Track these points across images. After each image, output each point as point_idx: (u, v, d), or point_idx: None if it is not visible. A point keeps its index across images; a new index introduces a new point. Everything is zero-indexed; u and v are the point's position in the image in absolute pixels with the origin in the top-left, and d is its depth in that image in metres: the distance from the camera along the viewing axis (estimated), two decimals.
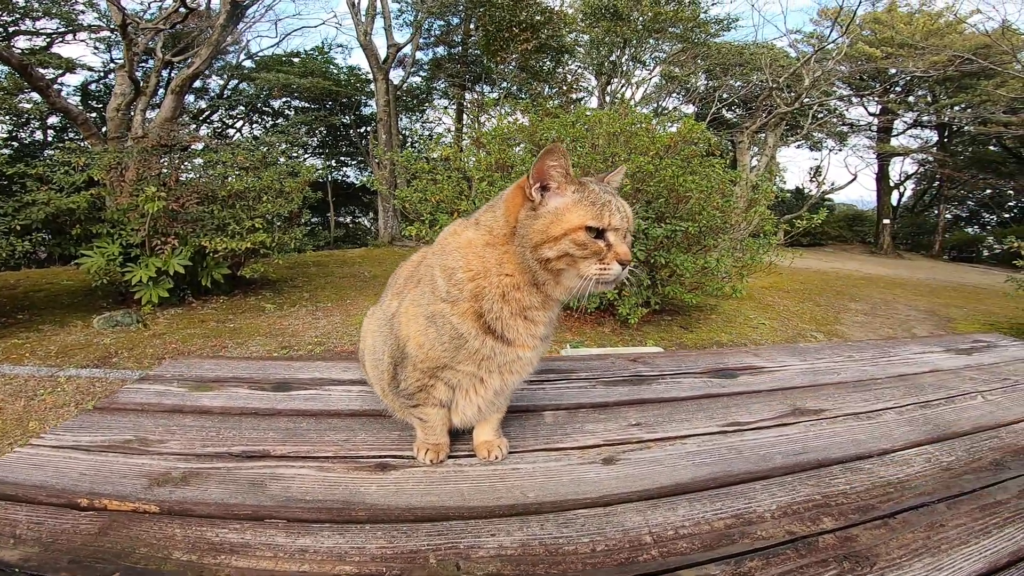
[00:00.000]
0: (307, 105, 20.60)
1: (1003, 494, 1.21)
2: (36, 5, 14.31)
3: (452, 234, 1.11)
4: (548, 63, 19.56)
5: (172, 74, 15.74)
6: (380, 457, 1.21)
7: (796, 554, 0.94)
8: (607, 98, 18.82)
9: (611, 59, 18.71)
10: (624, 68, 18.90)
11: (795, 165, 63.65)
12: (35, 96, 14.07)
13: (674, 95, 22.12)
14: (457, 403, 1.17)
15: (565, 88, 19.56)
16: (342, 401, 1.50)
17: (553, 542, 0.94)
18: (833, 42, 15.53)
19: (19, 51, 11.68)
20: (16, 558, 0.85)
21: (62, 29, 15.97)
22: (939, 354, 2.39)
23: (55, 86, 12.36)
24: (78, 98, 17.80)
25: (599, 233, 1.00)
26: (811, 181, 26.95)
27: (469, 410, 1.17)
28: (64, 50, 17.78)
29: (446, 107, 22.35)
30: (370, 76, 17.69)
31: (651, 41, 18.69)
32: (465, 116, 20.61)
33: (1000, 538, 1.04)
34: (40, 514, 0.97)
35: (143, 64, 11.15)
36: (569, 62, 20.42)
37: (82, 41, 17.26)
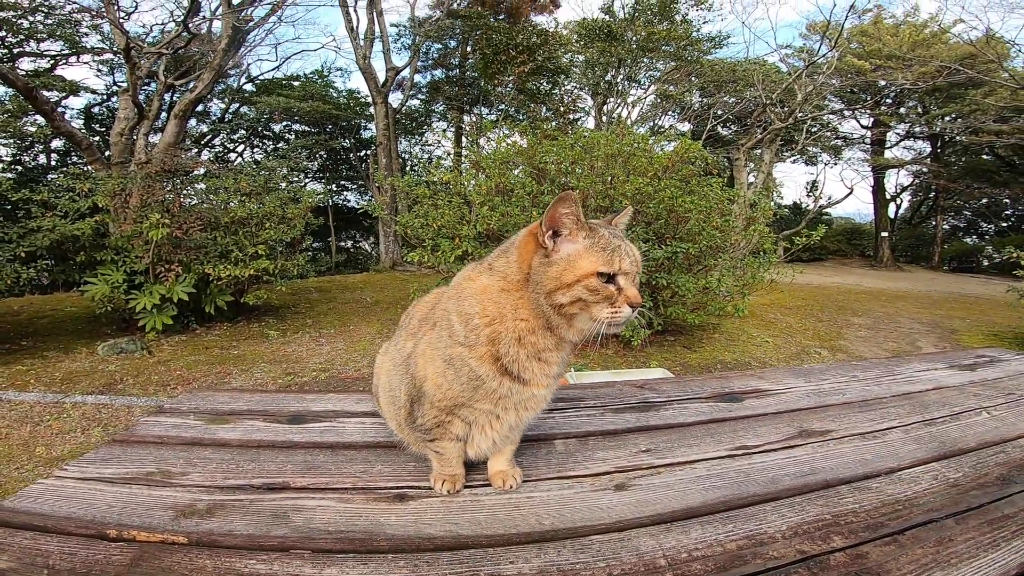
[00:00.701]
0: (307, 129, 20.78)
1: (1010, 508, 1.22)
2: (41, 27, 14.40)
3: (467, 279, 1.15)
4: (545, 84, 19.82)
5: (174, 98, 15.91)
6: (398, 488, 1.24)
7: (808, 572, 0.97)
8: (604, 118, 19.04)
9: (606, 79, 18.97)
10: (620, 87, 19.15)
11: (791, 180, 64.10)
12: (39, 119, 14.21)
13: (670, 113, 22.38)
14: (473, 437, 1.20)
15: (563, 109, 19.79)
16: (357, 433, 1.52)
17: (571, 568, 0.97)
18: (823, 56, 15.76)
19: (23, 73, 11.77)
20: None
21: (66, 51, 16.11)
22: (943, 371, 2.40)
23: (59, 109, 12.45)
24: (81, 121, 17.96)
25: (610, 278, 1.04)
26: (808, 196, 27.13)
27: (484, 444, 1.21)
28: (67, 72, 17.94)
29: (445, 130, 22.58)
30: (369, 99, 17.87)
31: (645, 60, 18.96)
32: (464, 139, 20.83)
33: (1009, 550, 1.06)
34: (71, 545, 1.00)
35: (145, 87, 11.27)
36: (565, 83, 20.70)
37: (85, 63, 17.75)
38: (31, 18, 13.64)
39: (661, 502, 1.19)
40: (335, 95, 20.81)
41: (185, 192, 8.38)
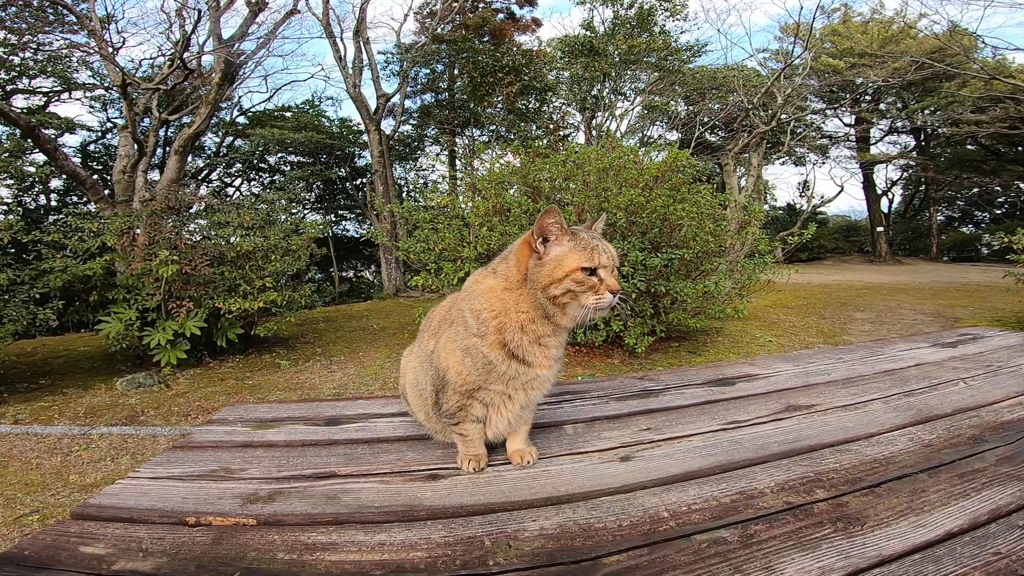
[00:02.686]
0: (302, 159, 20.93)
1: (980, 463, 1.34)
2: (32, 63, 14.55)
3: (476, 282, 1.38)
4: (533, 103, 20.09)
5: (169, 133, 16.02)
6: (430, 470, 1.41)
7: (794, 518, 1.11)
8: (593, 132, 19.31)
9: (593, 93, 19.26)
10: (606, 101, 19.45)
11: (783, 182, 64.57)
12: (37, 159, 14.19)
13: (657, 123, 22.68)
14: (490, 418, 1.39)
15: (552, 127, 20.07)
16: (388, 430, 1.69)
17: (585, 522, 1.12)
18: (798, 57, 16.06)
19: (19, 111, 11.98)
20: (150, 568, 1.02)
21: (58, 88, 16.19)
22: (926, 349, 2.52)
23: (61, 147, 12.60)
24: (79, 159, 17.97)
25: (592, 271, 1.26)
26: (801, 196, 27.39)
27: (501, 424, 1.40)
28: (60, 109, 17.85)
29: (438, 154, 22.87)
30: (362, 127, 18.05)
31: (629, 72, 19.24)
32: (458, 161, 21.09)
33: (979, 499, 1.17)
34: (158, 532, 1.15)
35: (140, 123, 11.49)
36: (554, 100, 20.98)
37: (78, 100, 17.53)
38: (22, 54, 13.76)
39: (662, 469, 1.34)
40: (328, 124, 21.01)
41: (189, 228, 8.54)
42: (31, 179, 16.14)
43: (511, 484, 1.31)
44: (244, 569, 1.01)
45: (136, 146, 10.03)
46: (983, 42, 16.17)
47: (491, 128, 19.77)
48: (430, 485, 1.32)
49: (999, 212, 27.03)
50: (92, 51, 12.19)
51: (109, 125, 18.35)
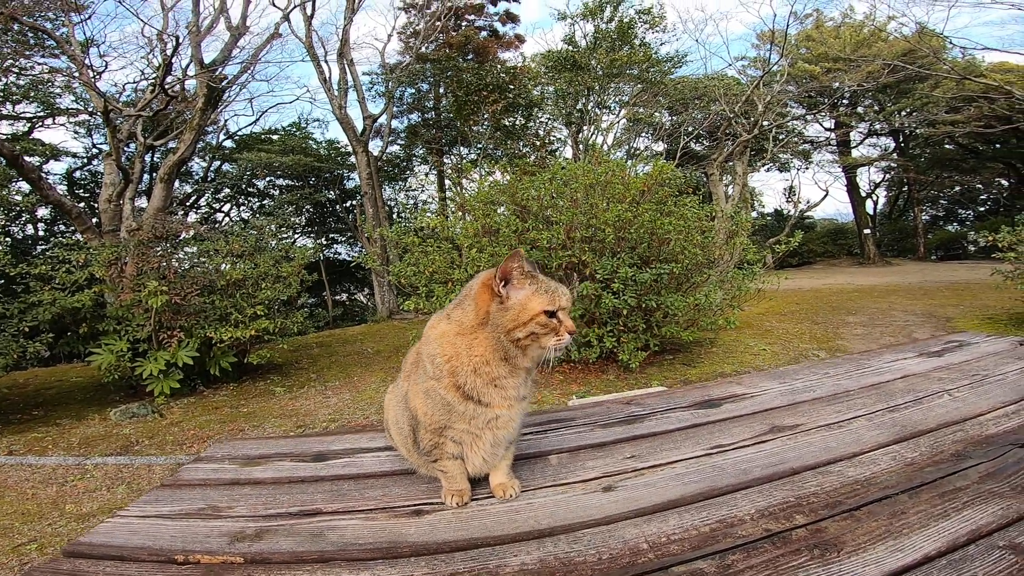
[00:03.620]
0: (291, 183, 20.88)
1: (963, 481, 1.33)
2: (15, 88, 14.51)
3: (431, 327, 1.42)
4: (519, 119, 20.23)
5: (155, 159, 15.86)
6: (415, 505, 1.42)
7: (772, 547, 1.11)
8: (580, 146, 19.45)
9: (578, 108, 19.41)
10: (591, 115, 19.63)
11: (769, 188, 65.04)
12: (22, 187, 13.84)
13: (643, 135, 22.89)
14: (466, 455, 1.42)
15: (538, 144, 20.20)
16: (374, 465, 1.71)
17: (566, 556, 1.13)
18: (776, 64, 16.29)
19: (2, 138, 11.90)
20: None
21: (41, 113, 16.06)
22: (912, 359, 2.52)
23: (45, 176, 12.39)
24: (64, 187, 17.74)
25: (553, 314, 1.31)
26: (788, 201, 27.65)
27: (477, 460, 1.42)
28: (44, 135, 17.60)
29: (427, 174, 22.94)
30: (349, 149, 17.98)
31: (612, 85, 19.42)
32: (447, 181, 21.14)
33: (959, 519, 1.16)
34: (148, 570, 1.17)
35: (126, 149, 11.43)
36: (539, 115, 21.13)
37: (62, 126, 17.39)
38: (4, 79, 13.70)
39: (644, 498, 1.34)
40: (315, 146, 21.03)
41: (177, 257, 8.52)
42: (17, 208, 15.84)
43: (494, 518, 1.33)
44: None
45: (121, 174, 9.98)
46: (951, 43, 16.45)
47: (478, 146, 19.87)
48: (414, 521, 1.34)
49: (983, 209, 27.39)
50: (73, 76, 12.14)
51: (95, 151, 18.19)
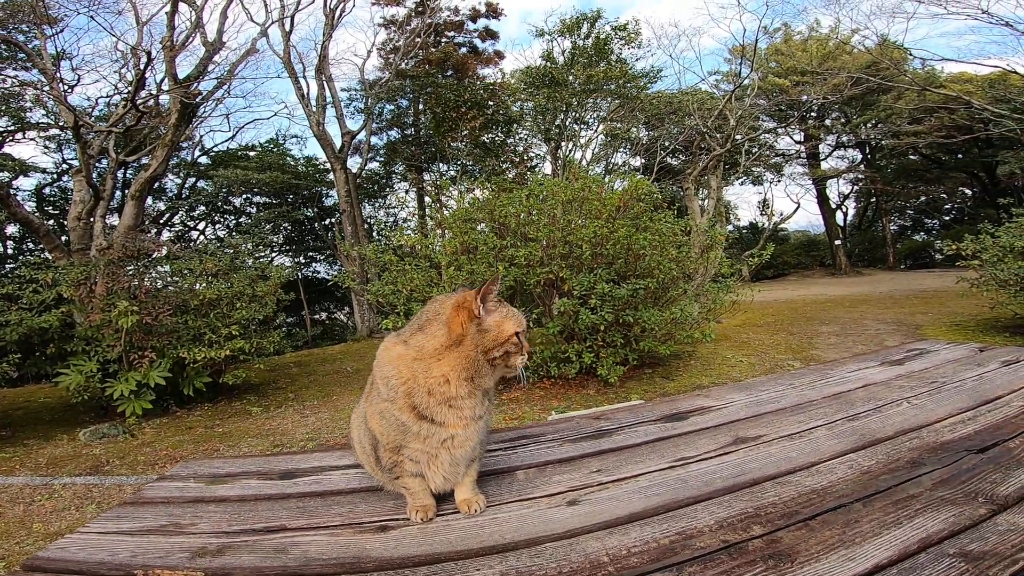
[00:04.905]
0: (268, 200, 20.71)
1: (916, 488, 1.36)
2: None
3: (385, 350, 1.45)
4: (499, 135, 20.37)
5: (128, 175, 15.62)
6: (380, 521, 1.42)
7: (729, 558, 1.13)
8: (559, 161, 19.63)
9: (556, 123, 19.64)
10: (570, 131, 19.85)
11: (744, 201, 65.81)
12: None
13: (620, 150, 23.20)
14: (426, 473, 1.45)
15: (518, 160, 20.34)
16: (342, 482, 1.70)
17: (528, 570, 1.14)
18: (747, 77, 16.67)
19: None
20: None
21: (11, 128, 15.76)
22: (874, 368, 2.56)
23: (12, 192, 12.10)
24: (34, 204, 17.34)
25: (519, 335, 1.40)
26: (762, 214, 28.17)
27: (437, 478, 1.45)
28: (13, 150, 17.31)
29: (407, 191, 22.91)
30: (328, 166, 17.95)
31: (590, 101, 19.72)
32: (427, 198, 21.13)
33: (910, 527, 1.18)
34: None
35: (97, 165, 11.18)
36: (519, 131, 21.31)
37: (31, 140, 17.09)
38: None
39: (607, 511, 1.36)
40: (293, 163, 20.87)
41: (150, 276, 8.40)
42: None
43: (458, 533, 1.34)
44: None
45: (92, 191, 9.81)
46: (911, 54, 17.02)
47: (458, 163, 19.94)
48: (379, 536, 1.34)
49: (947, 218, 28.17)
50: (44, 90, 11.96)
51: (65, 167, 17.78)
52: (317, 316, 22.86)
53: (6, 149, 16.29)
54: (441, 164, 21.03)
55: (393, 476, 1.46)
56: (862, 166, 26.98)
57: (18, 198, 11.92)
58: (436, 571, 1.16)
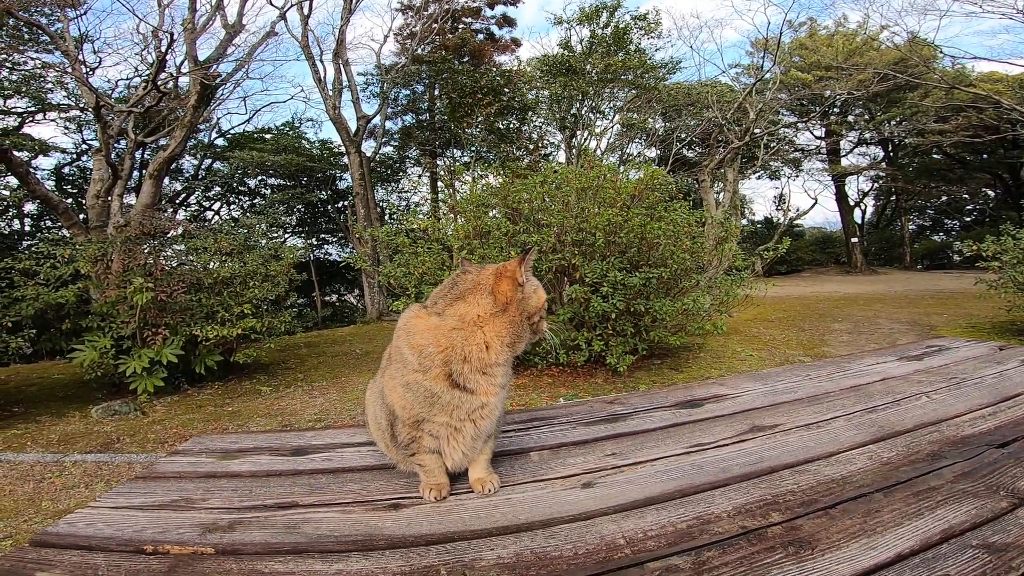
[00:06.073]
0: (283, 182, 20.76)
1: (937, 480, 1.34)
2: (7, 84, 14.45)
3: (416, 319, 1.45)
4: (514, 123, 20.27)
5: (146, 156, 15.81)
6: (392, 499, 1.41)
7: (748, 543, 1.12)
8: (573, 151, 19.52)
9: (572, 112, 19.50)
10: (585, 120, 19.70)
11: (760, 196, 65.43)
12: (10, 182, 13.98)
13: (636, 140, 23.01)
14: (444, 450, 1.44)
15: (532, 147, 20.24)
16: (354, 460, 1.69)
17: (542, 550, 1.13)
18: (769, 71, 16.41)
19: None
20: None
21: (32, 109, 15.97)
22: (892, 363, 2.53)
23: (32, 170, 12.18)
24: (53, 182, 17.62)
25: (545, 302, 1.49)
26: (778, 209, 27.89)
27: (456, 455, 1.44)
28: (34, 130, 17.70)
29: (420, 175, 22.91)
30: (342, 149, 17.96)
31: (607, 91, 19.55)
32: (439, 183, 21.11)
33: (932, 518, 1.17)
34: (115, 559, 1.16)
35: (116, 146, 11.31)
36: (534, 119, 21.19)
37: (52, 121, 17.27)
38: None
39: (623, 495, 1.35)
40: (308, 146, 20.91)
41: (165, 254, 8.46)
42: (4, 203, 15.94)
43: (472, 513, 1.33)
44: None
45: (110, 170, 9.88)
46: (942, 52, 16.68)
47: (472, 149, 19.88)
48: (391, 515, 1.33)
49: (968, 220, 27.72)
50: (66, 72, 12.08)
51: (84, 147, 18.05)
52: (328, 298, 22.94)
53: (26, 129, 16.50)
54: (455, 150, 20.96)
55: (409, 453, 1.45)
56: (884, 163, 26.58)
57: (37, 176, 12.05)
58: (449, 550, 1.16)
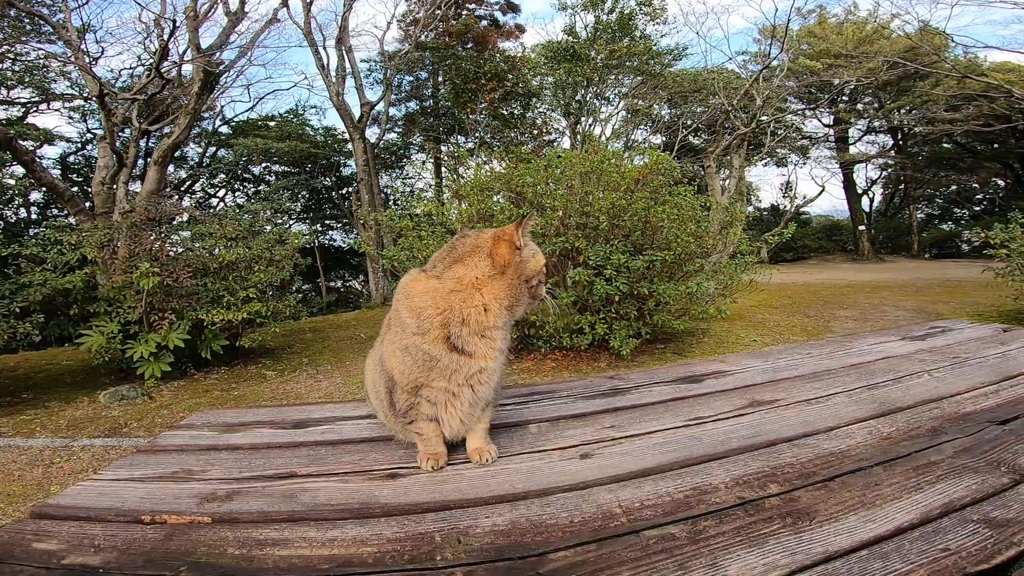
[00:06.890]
0: (287, 169, 20.80)
1: (937, 455, 1.33)
2: (10, 74, 14.48)
3: (414, 281, 1.45)
4: (517, 109, 20.14)
5: (150, 143, 15.85)
6: (390, 469, 1.42)
7: (745, 514, 1.12)
8: (578, 137, 19.40)
9: (577, 98, 19.35)
10: (590, 106, 19.55)
11: (766, 183, 64.86)
12: (15, 171, 13.98)
13: (641, 127, 22.85)
14: (442, 417, 1.44)
15: (536, 133, 20.13)
16: (353, 432, 1.71)
17: (538, 518, 1.13)
18: (776, 58, 16.22)
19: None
20: (99, 562, 1.04)
21: (36, 99, 16.04)
22: (895, 342, 2.52)
23: (38, 159, 12.39)
24: (58, 171, 17.71)
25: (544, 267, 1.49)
26: (784, 196, 27.70)
27: (454, 422, 1.44)
28: (39, 120, 17.90)
29: (424, 162, 22.85)
30: (346, 136, 17.90)
31: (612, 77, 19.38)
32: (443, 169, 21.06)
33: (932, 492, 1.16)
34: (112, 529, 1.17)
35: (120, 134, 11.33)
36: (538, 105, 21.05)
37: (56, 111, 17.33)
38: (0, 64, 13.69)
39: (620, 465, 1.35)
40: (312, 133, 20.89)
41: (171, 240, 8.48)
42: (10, 192, 15.88)
43: (468, 482, 1.33)
44: (192, 563, 1.02)
45: (115, 157, 9.91)
46: (953, 41, 16.44)
47: (476, 135, 19.78)
48: (389, 484, 1.34)
49: (978, 209, 27.43)
50: (69, 62, 12.07)
51: (88, 136, 18.13)
52: (332, 283, 23.05)
53: (31, 119, 16.57)
54: (459, 136, 20.88)
55: (407, 420, 1.45)
56: (893, 152, 26.30)
57: (43, 164, 12.10)
58: (444, 517, 1.16)
